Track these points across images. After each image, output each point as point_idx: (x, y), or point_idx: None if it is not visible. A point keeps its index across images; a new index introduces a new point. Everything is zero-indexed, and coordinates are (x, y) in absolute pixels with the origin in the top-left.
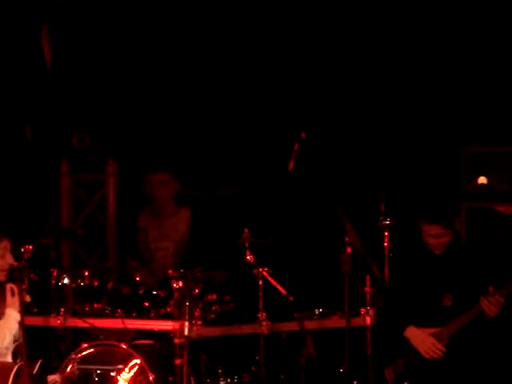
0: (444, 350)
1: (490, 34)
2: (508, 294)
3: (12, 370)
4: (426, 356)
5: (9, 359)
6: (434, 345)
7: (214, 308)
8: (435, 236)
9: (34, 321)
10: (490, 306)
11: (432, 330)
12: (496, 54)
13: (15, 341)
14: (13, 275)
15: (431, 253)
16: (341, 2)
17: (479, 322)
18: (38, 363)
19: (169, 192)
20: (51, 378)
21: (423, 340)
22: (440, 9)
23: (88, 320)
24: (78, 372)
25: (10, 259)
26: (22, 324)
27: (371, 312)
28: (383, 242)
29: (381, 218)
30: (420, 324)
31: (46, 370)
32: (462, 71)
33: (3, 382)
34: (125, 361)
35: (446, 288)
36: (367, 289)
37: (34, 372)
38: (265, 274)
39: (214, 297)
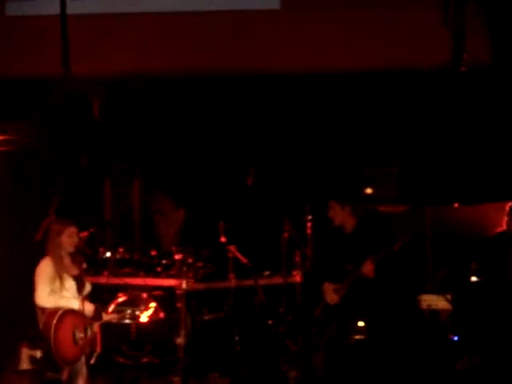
0: (337, 300)
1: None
2: (378, 261)
3: (57, 313)
4: (329, 302)
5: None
6: (331, 297)
7: (201, 271)
8: (337, 210)
9: (89, 279)
10: (364, 269)
11: (334, 286)
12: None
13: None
14: (76, 251)
15: (340, 234)
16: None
17: (363, 280)
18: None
19: (165, 203)
20: (105, 317)
21: (327, 292)
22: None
23: (122, 279)
24: (116, 311)
25: (76, 241)
26: (81, 281)
27: (299, 273)
28: (307, 229)
29: (306, 215)
30: (334, 280)
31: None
32: (352, 124)
33: (50, 321)
34: (145, 304)
35: (349, 257)
36: (297, 259)
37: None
38: (233, 249)
39: (201, 264)
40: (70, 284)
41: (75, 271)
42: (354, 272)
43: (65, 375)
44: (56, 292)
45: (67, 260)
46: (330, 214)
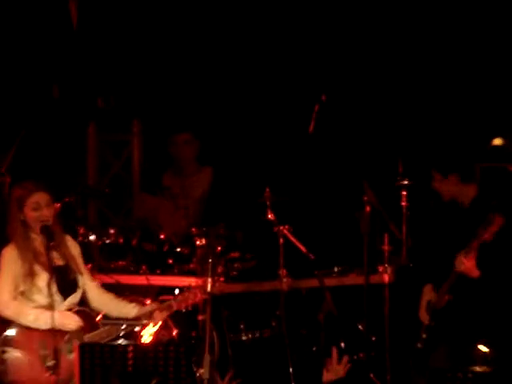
0: (427, 318)
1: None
2: (480, 253)
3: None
4: (420, 318)
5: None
6: (423, 311)
7: (236, 265)
8: (438, 180)
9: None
10: (461, 265)
11: (432, 296)
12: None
13: None
14: (44, 231)
15: (454, 210)
16: None
17: (468, 281)
18: None
19: (192, 151)
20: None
21: (421, 303)
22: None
23: (113, 276)
24: (104, 326)
25: (47, 215)
26: (51, 278)
27: (389, 270)
28: (401, 201)
29: (398, 178)
30: (442, 280)
31: None
32: (475, 51)
33: None
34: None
35: (465, 245)
36: (385, 247)
37: None
38: (285, 231)
39: (237, 254)
40: (46, 282)
41: (56, 262)
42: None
43: None
44: (25, 294)
45: (39, 245)
46: (435, 185)
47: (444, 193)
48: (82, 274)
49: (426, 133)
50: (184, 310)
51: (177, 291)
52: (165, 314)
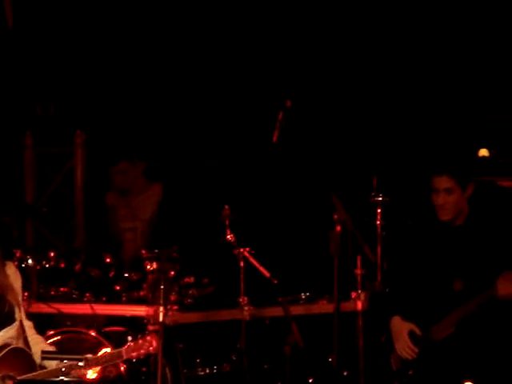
0: (416, 351)
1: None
2: None
3: None
4: (400, 355)
5: None
6: (407, 344)
7: (191, 292)
8: (443, 190)
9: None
10: (504, 288)
11: (410, 327)
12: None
13: None
14: None
15: (444, 230)
16: None
17: (491, 307)
18: None
19: (130, 179)
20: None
21: (400, 336)
22: None
23: (54, 305)
24: (43, 362)
25: None
26: None
27: (362, 296)
28: (375, 219)
29: (373, 193)
30: (428, 309)
31: None
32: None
33: None
34: (94, 350)
35: (458, 269)
36: (358, 270)
37: None
38: (246, 254)
39: (192, 279)
40: None
41: None
42: (481, 295)
43: None
44: None
45: None
46: (440, 201)
47: (451, 210)
48: (19, 307)
49: (404, 142)
50: (134, 360)
51: (129, 338)
52: (114, 363)
